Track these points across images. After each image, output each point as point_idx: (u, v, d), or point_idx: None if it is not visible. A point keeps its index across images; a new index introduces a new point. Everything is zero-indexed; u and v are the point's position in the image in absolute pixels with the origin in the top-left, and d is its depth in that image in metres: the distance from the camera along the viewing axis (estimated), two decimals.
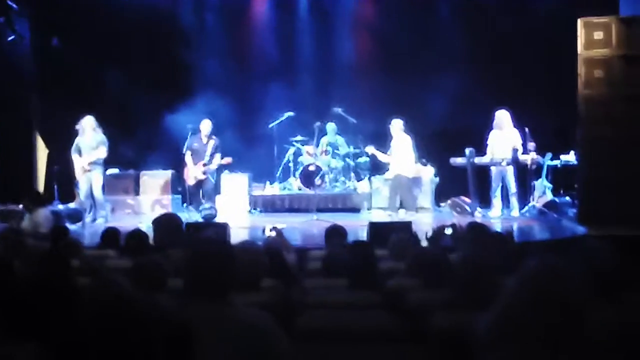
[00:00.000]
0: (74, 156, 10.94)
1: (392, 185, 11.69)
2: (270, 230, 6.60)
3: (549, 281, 2.21)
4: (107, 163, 11.38)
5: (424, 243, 6.54)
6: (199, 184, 11.33)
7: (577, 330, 2.17)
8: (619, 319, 2.78)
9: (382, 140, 11.80)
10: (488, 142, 11.18)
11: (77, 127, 10.92)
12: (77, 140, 10.96)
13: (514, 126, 11.05)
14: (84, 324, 1.75)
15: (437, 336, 2.90)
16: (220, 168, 11.96)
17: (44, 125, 13.29)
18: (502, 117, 11.05)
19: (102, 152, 10.91)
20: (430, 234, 6.72)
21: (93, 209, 11.19)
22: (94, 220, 11.04)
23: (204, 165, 11.18)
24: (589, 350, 2.19)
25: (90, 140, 10.90)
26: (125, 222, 10.18)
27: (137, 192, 12.83)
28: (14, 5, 12.25)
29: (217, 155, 11.22)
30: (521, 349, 2.16)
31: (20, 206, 7.94)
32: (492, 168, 11.15)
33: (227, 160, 11.28)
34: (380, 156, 11.69)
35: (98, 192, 11.06)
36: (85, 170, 10.90)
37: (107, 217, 11.18)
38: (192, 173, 11.30)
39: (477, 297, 3.21)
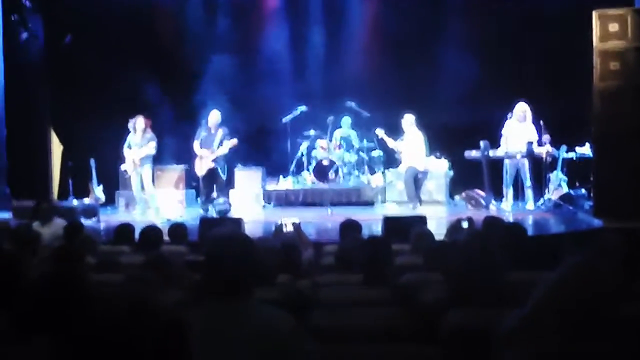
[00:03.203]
0: (125, 152, 11.42)
1: (405, 178, 11.69)
2: (288, 226, 6.58)
3: (590, 278, 2.19)
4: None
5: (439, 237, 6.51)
6: (210, 176, 11.34)
7: (613, 322, 2.16)
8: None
9: (395, 133, 11.79)
10: (503, 132, 11.13)
11: (129, 125, 11.39)
12: (129, 138, 11.42)
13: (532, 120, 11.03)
14: (95, 321, 1.75)
15: (452, 334, 2.88)
16: (233, 162, 11.98)
17: (58, 121, 13.33)
18: (524, 109, 11.00)
19: (152, 148, 11.33)
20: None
21: (142, 202, 11.56)
22: (143, 212, 11.45)
23: (212, 152, 11.19)
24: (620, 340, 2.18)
25: (140, 138, 11.34)
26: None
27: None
28: (27, 3, 12.29)
29: (225, 141, 11.24)
30: (549, 346, 2.14)
31: (35, 223, 7.94)
32: (506, 160, 11.10)
33: (233, 141, 11.27)
34: (389, 141, 11.73)
35: (149, 186, 11.50)
36: (135, 165, 11.31)
37: (157, 209, 11.44)
38: (202, 162, 11.32)
39: (483, 291, 3.20)
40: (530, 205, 10.98)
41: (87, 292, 2.64)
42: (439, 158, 12.40)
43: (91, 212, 11.11)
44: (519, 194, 11.21)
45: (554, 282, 2.24)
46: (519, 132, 10.99)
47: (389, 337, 3.09)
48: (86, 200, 11.78)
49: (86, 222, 9.73)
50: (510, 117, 11.11)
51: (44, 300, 2.54)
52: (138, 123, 11.36)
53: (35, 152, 12.97)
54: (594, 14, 9.46)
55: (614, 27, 9.39)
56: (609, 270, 2.25)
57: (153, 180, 11.73)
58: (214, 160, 11.22)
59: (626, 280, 3.18)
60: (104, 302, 1.98)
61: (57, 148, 13.42)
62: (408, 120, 11.51)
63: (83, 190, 12.20)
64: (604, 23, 9.42)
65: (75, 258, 4.81)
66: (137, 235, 6.49)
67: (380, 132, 11.84)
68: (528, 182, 10.99)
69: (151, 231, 6.29)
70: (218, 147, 11.21)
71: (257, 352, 2.54)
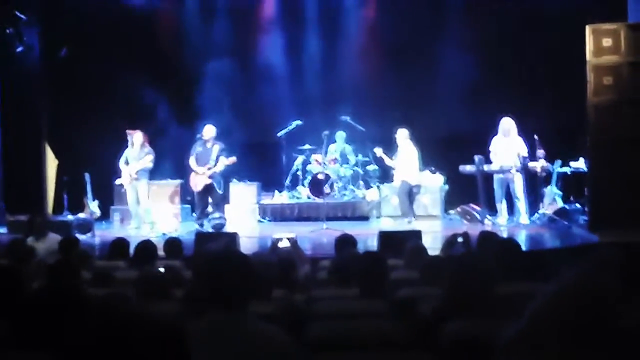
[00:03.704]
0: (122, 165, 11.43)
1: (399, 192, 11.71)
2: (284, 241, 6.58)
3: (589, 290, 2.20)
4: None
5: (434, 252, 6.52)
6: (206, 191, 11.31)
7: (613, 334, 2.16)
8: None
9: (390, 147, 11.83)
10: (491, 149, 11.18)
11: (128, 138, 11.50)
12: (126, 152, 11.48)
13: (519, 133, 11.07)
14: (93, 332, 1.75)
15: (450, 345, 2.88)
16: (228, 177, 11.99)
17: (53, 135, 13.32)
18: (509, 124, 11.06)
19: (149, 162, 11.38)
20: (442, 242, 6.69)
21: (138, 216, 11.58)
22: (138, 227, 11.45)
23: (209, 169, 11.17)
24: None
25: (137, 152, 11.39)
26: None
27: None
28: (23, 16, 12.30)
29: (222, 158, 11.21)
30: (548, 357, 2.15)
31: (29, 237, 7.92)
32: (496, 176, 11.14)
33: (232, 159, 11.24)
34: (387, 160, 11.78)
35: (144, 201, 11.52)
36: (132, 178, 11.34)
37: (153, 224, 11.48)
38: (198, 178, 11.30)
39: (479, 304, 3.21)
40: (523, 219, 11.00)
41: (84, 305, 2.64)
42: (434, 172, 12.42)
43: (86, 226, 11.09)
44: (509, 209, 11.23)
45: (552, 294, 2.25)
46: (506, 147, 11.05)
47: (386, 349, 3.09)
48: (81, 215, 11.76)
49: (81, 236, 9.70)
50: (498, 134, 11.16)
51: (42, 313, 2.54)
52: (136, 137, 11.41)
53: (30, 167, 12.94)
54: (588, 29, 9.51)
55: (607, 41, 9.45)
56: (608, 282, 2.25)
57: (148, 195, 11.71)
58: (210, 176, 11.21)
59: (624, 293, 3.20)
60: (102, 313, 1.98)
61: (52, 162, 13.40)
62: (402, 135, 11.56)
63: (78, 205, 12.18)
64: (598, 38, 9.48)
65: (71, 272, 4.80)
66: (132, 250, 6.47)
67: (378, 151, 11.86)
68: (520, 197, 11.00)
69: (146, 246, 6.27)
70: (215, 163, 11.20)
71: None
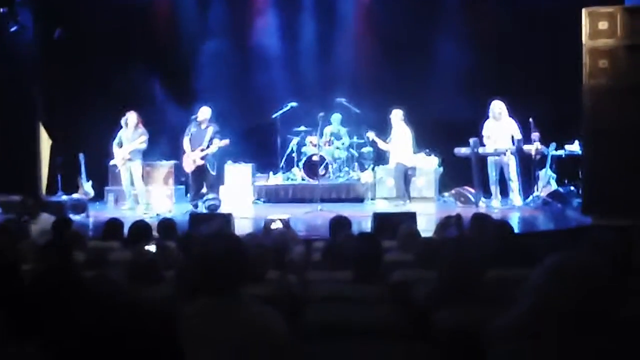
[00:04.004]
0: (115, 148, 11.41)
1: (395, 174, 11.72)
2: (277, 222, 6.58)
3: (575, 274, 2.21)
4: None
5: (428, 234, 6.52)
6: (199, 172, 11.28)
7: (604, 318, 2.17)
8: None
9: (385, 129, 11.81)
10: (484, 133, 11.17)
11: (122, 120, 11.37)
12: (120, 133, 11.43)
13: (513, 116, 11.07)
14: (81, 320, 1.75)
15: (444, 332, 2.88)
16: (223, 158, 11.96)
17: (47, 116, 13.23)
18: (500, 107, 11.05)
19: (142, 143, 11.33)
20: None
21: (132, 197, 11.60)
22: (132, 208, 11.48)
23: (202, 150, 11.14)
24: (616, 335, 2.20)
25: (131, 133, 11.34)
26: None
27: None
28: None
29: (216, 140, 11.18)
30: (543, 344, 2.15)
31: (23, 216, 7.90)
32: (490, 158, 11.15)
33: (225, 142, 11.20)
34: (380, 143, 11.77)
35: (138, 182, 11.52)
36: (125, 159, 11.30)
37: (147, 205, 11.48)
38: (190, 159, 11.26)
39: (473, 288, 3.21)
40: (517, 202, 11.02)
41: (75, 289, 2.63)
42: (429, 155, 12.42)
43: (80, 207, 11.08)
44: (502, 191, 11.24)
45: (542, 280, 2.25)
46: (499, 130, 11.05)
47: (381, 334, 3.09)
48: (75, 196, 11.73)
49: (75, 217, 9.69)
50: (489, 118, 11.16)
51: (34, 300, 2.53)
52: (130, 118, 11.33)
53: (24, 147, 12.84)
54: (584, 12, 9.47)
55: (603, 25, 9.41)
56: (596, 266, 2.26)
57: (142, 176, 11.67)
58: (203, 158, 11.18)
59: (618, 277, 3.23)
60: (94, 298, 1.97)
61: (46, 143, 13.33)
62: (396, 116, 11.54)
63: (72, 186, 12.15)
64: (594, 21, 9.45)
65: (63, 254, 4.79)
66: (126, 230, 6.47)
67: (371, 135, 11.86)
68: (514, 179, 11.02)
69: (140, 227, 6.26)
70: (208, 144, 11.15)
71: (245, 349, 2.55)
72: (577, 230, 8.66)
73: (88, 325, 1.69)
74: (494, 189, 11.20)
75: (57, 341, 1.77)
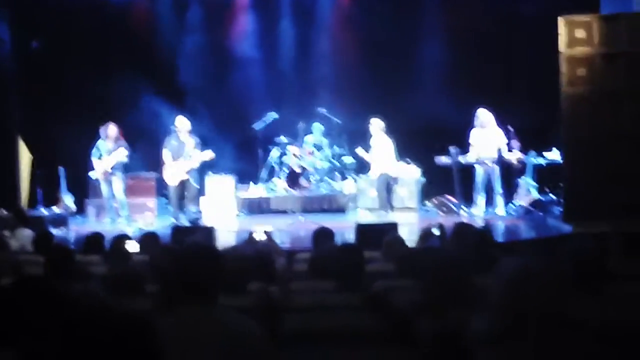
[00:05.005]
0: (94, 159, 11.26)
1: (378, 185, 11.73)
2: (260, 234, 6.57)
3: (523, 280, 2.24)
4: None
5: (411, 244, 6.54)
6: (182, 186, 11.22)
7: (559, 324, 2.20)
8: (600, 309, 2.86)
9: (366, 139, 11.83)
10: (470, 141, 11.20)
11: (101, 131, 11.25)
12: (98, 144, 11.27)
13: (497, 125, 11.12)
14: (59, 331, 1.74)
15: (426, 338, 2.89)
16: (204, 170, 11.91)
17: (26, 129, 13.15)
18: (485, 116, 11.09)
19: (123, 156, 11.24)
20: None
21: (113, 210, 11.51)
22: (114, 221, 11.38)
23: (186, 165, 11.06)
24: (571, 342, 2.22)
25: (111, 145, 11.21)
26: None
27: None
28: None
29: (197, 152, 11.11)
30: (516, 348, 2.17)
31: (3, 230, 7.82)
32: (478, 167, 11.18)
33: (210, 155, 11.14)
34: (367, 157, 11.77)
35: (120, 194, 11.41)
36: (106, 172, 11.17)
37: (128, 218, 11.40)
38: (172, 172, 11.19)
39: (455, 296, 3.23)
40: (500, 211, 11.06)
41: (56, 301, 2.61)
42: (409, 164, 12.43)
43: (61, 221, 11.01)
44: (487, 200, 11.28)
45: (502, 286, 2.29)
46: (485, 139, 11.08)
47: (362, 341, 3.09)
48: (55, 209, 11.65)
49: (55, 231, 9.62)
50: (475, 126, 11.20)
51: (11, 309, 2.51)
52: (110, 130, 11.24)
53: (2, 161, 12.77)
54: (560, 20, 9.56)
55: (580, 33, 9.50)
56: (549, 273, 2.29)
57: (124, 189, 11.61)
58: (187, 171, 11.11)
59: (598, 283, 3.27)
60: (74, 308, 1.96)
61: (25, 156, 13.24)
62: (376, 125, 11.55)
63: (52, 199, 12.06)
64: (571, 29, 9.54)
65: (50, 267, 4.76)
66: (107, 244, 6.43)
67: (360, 151, 11.81)
68: (499, 189, 11.07)
69: (121, 240, 6.23)
70: (189, 157, 11.09)
71: (222, 356, 2.56)
72: (558, 238, 8.72)
73: (67, 335, 1.69)
74: (480, 197, 11.21)
75: (36, 352, 1.76)
